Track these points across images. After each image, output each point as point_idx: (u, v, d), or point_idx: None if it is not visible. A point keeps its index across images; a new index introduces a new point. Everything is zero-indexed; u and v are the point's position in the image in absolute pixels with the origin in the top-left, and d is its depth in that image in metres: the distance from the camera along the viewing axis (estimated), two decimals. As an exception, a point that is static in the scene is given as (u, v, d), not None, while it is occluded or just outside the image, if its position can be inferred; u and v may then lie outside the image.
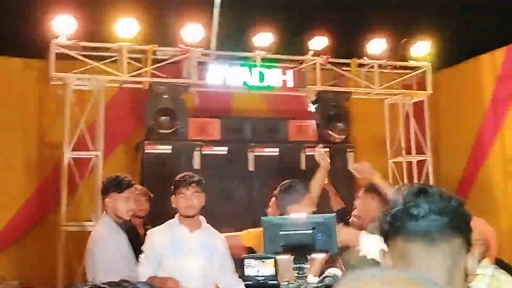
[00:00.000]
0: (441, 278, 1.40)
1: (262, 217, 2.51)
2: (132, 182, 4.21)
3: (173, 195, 4.01)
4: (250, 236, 3.93)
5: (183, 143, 7.06)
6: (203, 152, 7.02)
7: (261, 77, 7.20)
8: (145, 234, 4.29)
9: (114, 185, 4.14)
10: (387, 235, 1.48)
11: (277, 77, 7.29)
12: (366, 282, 1.09)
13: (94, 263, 3.83)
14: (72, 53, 6.65)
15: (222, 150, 7.18)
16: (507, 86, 7.68)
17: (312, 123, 7.66)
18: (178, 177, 4.08)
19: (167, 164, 6.86)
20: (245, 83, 7.16)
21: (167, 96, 6.92)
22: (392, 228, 1.45)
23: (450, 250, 1.41)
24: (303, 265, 2.34)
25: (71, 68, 6.74)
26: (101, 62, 6.80)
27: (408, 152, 7.99)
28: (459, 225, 1.43)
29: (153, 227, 4.48)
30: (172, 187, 4.04)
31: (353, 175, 7.56)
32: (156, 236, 3.95)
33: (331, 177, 6.29)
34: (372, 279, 1.10)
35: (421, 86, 8.13)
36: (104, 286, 1.00)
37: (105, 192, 4.17)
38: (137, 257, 4.01)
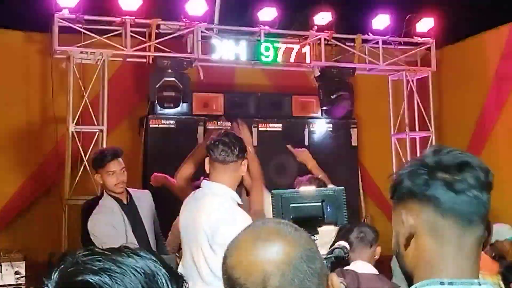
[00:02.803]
0: (470, 257, 1.34)
1: (272, 191, 2.53)
2: (117, 153, 4.17)
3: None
4: None
5: (187, 117, 7.07)
6: (207, 127, 7.02)
7: (265, 52, 7.16)
8: None
9: (97, 161, 4.18)
10: (412, 196, 1.35)
11: (281, 52, 7.24)
12: (246, 232, 1.30)
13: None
14: (75, 26, 6.62)
15: (226, 125, 7.14)
16: (511, 63, 7.65)
17: (316, 98, 7.65)
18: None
19: (171, 139, 6.87)
20: (249, 58, 7.12)
21: (171, 71, 6.89)
22: (424, 194, 1.33)
23: (481, 229, 1.35)
24: (313, 237, 2.35)
25: (74, 42, 6.71)
26: (105, 36, 6.77)
27: (412, 129, 7.99)
28: (489, 201, 1.35)
29: (156, 200, 4.50)
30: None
31: (356, 151, 7.64)
32: None
33: (335, 153, 6.31)
34: (249, 229, 1.30)
35: (425, 63, 8.11)
36: (103, 251, 1.00)
37: (93, 169, 4.26)
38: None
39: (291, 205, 2.44)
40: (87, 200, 5.53)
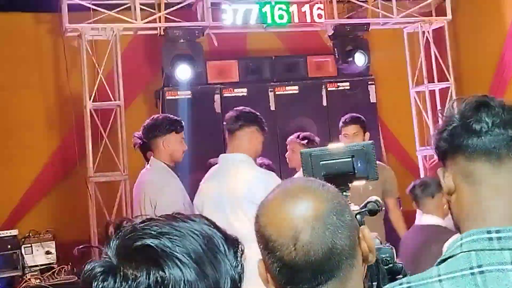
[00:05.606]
0: (509, 196, 1.32)
1: (300, 150, 2.50)
2: None
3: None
4: None
5: (202, 87, 7.03)
6: (224, 95, 6.98)
7: (277, 13, 7.03)
8: None
9: (173, 125, 3.99)
10: (445, 154, 1.40)
11: (293, 13, 7.11)
12: (275, 191, 1.32)
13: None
14: (84, 3, 6.57)
15: (242, 91, 7.13)
16: (528, 6, 7.48)
17: (331, 58, 7.54)
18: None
19: (188, 109, 6.84)
20: (261, 21, 7.01)
21: (183, 41, 6.83)
22: (451, 146, 1.37)
23: None
24: (345, 193, 2.32)
25: (83, 19, 6.67)
26: (114, 10, 6.72)
27: (430, 80, 7.86)
28: None
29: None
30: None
31: (375, 107, 7.55)
32: None
33: (354, 112, 6.20)
34: (279, 188, 1.33)
35: (440, 12, 7.94)
36: (160, 217, 1.02)
37: (161, 132, 3.95)
38: None
39: (321, 162, 2.40)
40: None
